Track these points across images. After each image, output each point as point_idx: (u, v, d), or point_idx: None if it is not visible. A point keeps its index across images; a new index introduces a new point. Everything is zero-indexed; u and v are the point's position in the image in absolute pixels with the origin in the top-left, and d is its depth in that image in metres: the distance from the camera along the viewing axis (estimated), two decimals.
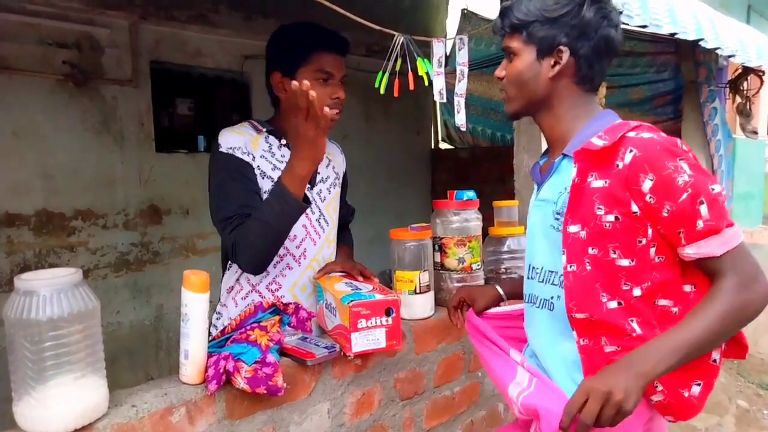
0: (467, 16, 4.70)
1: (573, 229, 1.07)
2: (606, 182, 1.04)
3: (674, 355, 0.97)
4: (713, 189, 1.00)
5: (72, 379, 0.96)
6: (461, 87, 1.61)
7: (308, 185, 1.50)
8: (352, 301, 1.29)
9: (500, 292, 1.46)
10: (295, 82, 1.20)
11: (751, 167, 6.96)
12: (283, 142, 1.50)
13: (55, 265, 3.10)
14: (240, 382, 1.15)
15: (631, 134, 1.03)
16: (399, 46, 1.47)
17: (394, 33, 1.45)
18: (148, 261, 3.47)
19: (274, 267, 1.48)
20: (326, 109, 1.24)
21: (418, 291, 1.61)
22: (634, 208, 1.02)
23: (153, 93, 3.45)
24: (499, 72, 1.21)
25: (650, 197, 1.00)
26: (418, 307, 1.62)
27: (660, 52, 3.41)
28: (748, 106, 3.29)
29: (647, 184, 1.00)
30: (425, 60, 1.48)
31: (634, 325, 1.04)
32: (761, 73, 3.17)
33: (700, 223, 0.99)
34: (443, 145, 5.55)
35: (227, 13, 3.63)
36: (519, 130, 2.09)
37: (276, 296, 1.47)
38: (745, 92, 3.26)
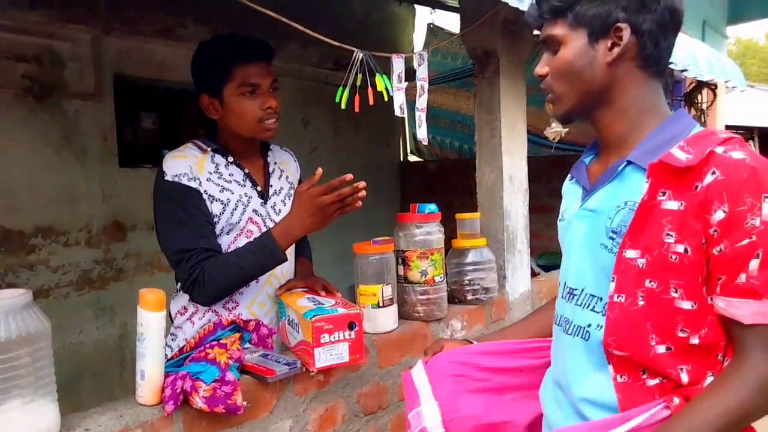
0: (433, 30, 4.77)
1: (630, 254, 0.90)
2: (681, 204, 0.86)
3: None
4: None
5: (20, 403, 0.94)
6: (422, 102, 1.64)
7: (261, 200, 1.50)
8: (314, 316, 1.30)
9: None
10: (350, 175, 1.28)
11: None
12: (230, 159, 1.48)
13: (14, 284, 3.01)
14: (198, 402, 1.14)
15: (719, 149, 0.86)
16: (359, 62, 1.48)
17: (353, 49, 1.46)
18: (112, 278, 3.40)
19: None
20: (359, 202, 1.32)
21: (381, 304, 1.62)
22: (703, 241, 0.86)
23: (116, 107, 3.39)
24: (541, 68, 1.02)
25: (715, 230, 0.85)
26: (382, 320, 1.63)
27: None
28: (702, 119, 3.41)
29: (718, 215, 0.84)
30: (384, 76, 1.50)
31: (684, 374, 0.89)
32: (714, 87, 3.29)
33: (743, 277, 0.84)
34: (412, 158, 5.60)
35: (193, 27, 3.60)
36: (481, 144, 2.13)
37: (234, 314, 1.46)
38: (699, 105, 3.38)
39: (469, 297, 1.94)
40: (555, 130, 2.21)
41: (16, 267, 3.03)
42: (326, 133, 4.61)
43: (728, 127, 9.31)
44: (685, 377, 0.88)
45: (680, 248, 0.86)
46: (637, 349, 0.90)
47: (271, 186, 1.56)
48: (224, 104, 1.44)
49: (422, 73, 1.62)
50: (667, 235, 0.87)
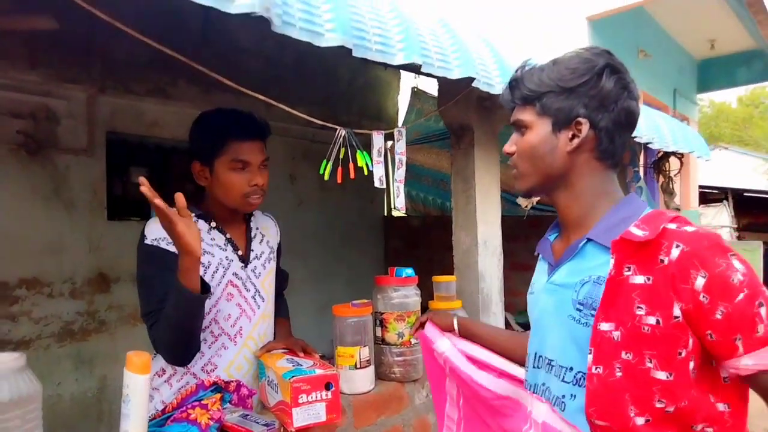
0: (417, 94, 5.00)
1: (605, 327, 0.94)
2: (648, 279, 0.92)
3: None
4: (765, 291, 0.90)
5: None
6: (399, 174, 1.76)
7: (242, 264, 1.56)
8: (293, 376, 1.36)
9: (455, 326, 1.50)
10: (141, 178, 1.25)
11: None
12: (213, 225, 1.55)
13: None
14: None
15: (672, 226, 0.93)
16: (342, 138, 1.60)
17: (336, 127, 1.58)
18: (94, 330, 3.40)
19: (209, 348, 1.51)
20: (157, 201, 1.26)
21: (358, 366, 1.68)
22: (676, 311, 0.90)
23: (107, 162, 3.49)
24: (509, 147, 1.13)
25: (704, 297, 0.88)
26: (359, 381, 1.69)
27: None
28: (671, 185, 3.59)
29: (700, 281, 0.88)
30: (364, 153, 1.62)
31: None
32: (680, 156, 3.48)
33: (762, 329, 0.86)
34: (396, 213, 5.73)
35: (185, 86, 3.76)
36: (457, 210, 2.24)
37: (213, 376, 1.49)
38: (667, 172, 3.56)
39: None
40: (526, 199, 2.35)
41: None
42: (312, 188, 4.73)
43: (702, 188, 9.63)
44: None
45: (652, 320, 0.91)
46: (617, 420, 0.93)
47: (252, 250, 1.62)
48: (214, 174, 1.51)
49: (401, 147, 1.75)
50: (638, 308, 0.92)
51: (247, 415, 1.43)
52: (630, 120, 1.06)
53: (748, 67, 7.64)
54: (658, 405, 0.91)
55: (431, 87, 5.00)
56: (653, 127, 2.87)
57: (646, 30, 6.33)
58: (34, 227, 3.17)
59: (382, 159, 1.71)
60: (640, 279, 0.92)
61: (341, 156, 1.66)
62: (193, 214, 1.49)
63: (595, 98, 1.02)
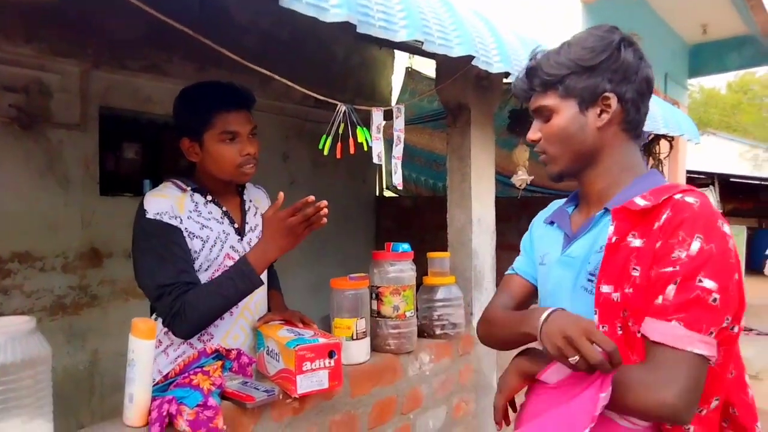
0: (411, 74, 5.00)
1: (605, 289, 1.00)
2: (643, 242, 0.97)
3: None
4: (701, 282, 0.91)
5: (20, 422, 1.01)
6: (398, 150, 1.78)
7: (238, 237, 1.58)
8: (297, 345, 1.39)
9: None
10: (311, 197, 1.34)
11: None
12: (209, 198, 1.55)
13: None
14: (182, 425, 1.22)
15: (678, 196, 0.97)
16: (342, 113, 1.62)
17: (337, 102, 1.60)
18: (86, 304, 3.42)
19: None
20: (324, 219, 1.38)
21: (355, 337, 1.72)
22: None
23: (100, 137, 3.47)
24: (533, 134, 1.13)
25: (655, 258, 0.95)
26: (355, 352, 1.73)
27: None
28: (660, 168, 3.64)
29: (657, 245, 0.95)
30: (364, 129, 1.64)
31: None
32: (671, 139, 3.53)
33: (659, 299, 0.93)
34: (388, 193, 5.75)
35: (180, 63, 3.73)
36: (452, 188, 2.28)
37: (209, 346, 1.50)
38: (657, 155, 3.61)
39: (438, 332, 2.05)
40: (521, 178, 2.38)
41: None
42: (305, 167, 4.74)
43: (689, 173, 9.74)
44: None
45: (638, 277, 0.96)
46: None
47: (247, 223, 1.64)
48: (204, 149, 1.51)
49: (399, 124, 1.77)
50: (633, 269, 0.97)
51: (247, 382, 1.47)
52: (650, 86, 1.08)
53: (739, 53, 7.68)
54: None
55: (425, 67, 5.00)
56: None
57: (639, 14, 6.34)
58: (26, 201, 3.16)
59: (380, 135, 1.73)
60: (638, 242, 0.98)
61: (341, 131, 1.68)
62: (189, 188, 1.53)
63: (618, 72, 1.04)
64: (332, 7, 1.29)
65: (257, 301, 1.64)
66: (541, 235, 1.24)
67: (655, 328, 0.93)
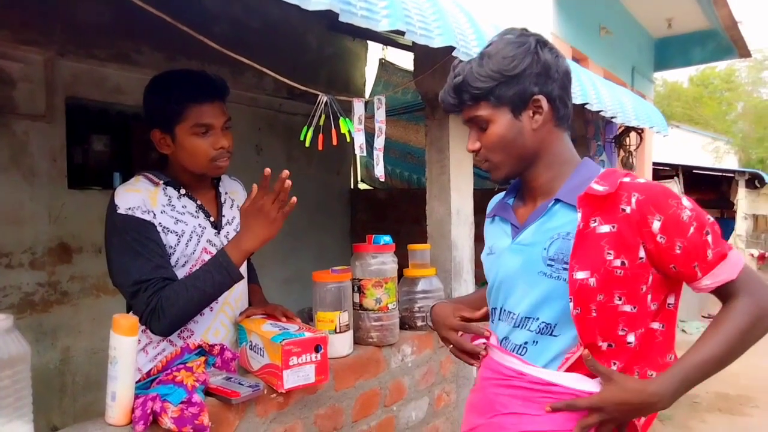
0: (384, 65, 4.99)
1: (581, 275, 1.05)
2: (614, 227, 1.04)
3: (690, 386, 1.03)
4: (709, 219, 1.05)
5: None
6: (379, 142, 1.77)
7: (215, 230, 1.54)
8: (283, 339, 1.38)
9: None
10: (268, 170, 1.28)
11: None
12: (183, 192, 1.50)
13: None
14: (167, 422, 1.20)
15: (627, 180, 1.06)
16: (323, 105, 1.60)
17: (318, 93, 1.58)
18: (56, 301, 3.32)
19: None
20: (294, 199, 1.33)
21: (338, 330, 1.72)
22: (641, 253, 1.04)
23: (68, 129, 3.37)
24: (472, 145, 1.17)
25: (661, 237, 1.02)
26: (338, 345, 1.73)
27: None
28: (630, 160, 3.72)
29: (656, 225, 1.02)
30: (347, 120, 1.62)
31: (614, 367, 1.07)
32: (640, 131, 3.61)
33: (710, 253, 1.02)
34: (362, 186, 5.74)
35: (149, 53, 3.64)
36: (431, 180, 2.28)
37: (188, 343, 1.47)
38: (627, 147, 3.69)
39: (419, 323, 2.06)
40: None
41: None
42: (279, 159, 4.69)
43: (655, 164, 9.98)
44: (616, 364, 1.07)
45: (618, 262, 1.04)
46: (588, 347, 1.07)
47: (224, 216, 1.59)
48: (176, 141, 1.45)
49: (380, 116, 1.76)
50: (607, 253, 1.04)
51: (231, 377, 1.45)
52: (570, 78, 1.15)
53: (702, 47, 7.89)
54: (620, 333, 1.06)
55: (399, 59, 4.99)
56: (617, 103, 2.96)
57: (608, 8, 6.45)
58: None
59: (362, 127, 1.72)
60: (605, 228, 1.05)
61: (321, 123, 1.66)
62: (161, 182, 1.48)
63: (541, 74, 1.10)
64: None
65: (237, 296, 1.60)
66: (487, 231, 1.31)
67: (726, 270, 1.03)
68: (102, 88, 3.52)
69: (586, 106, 2.59)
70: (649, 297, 1.06)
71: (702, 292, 1.08)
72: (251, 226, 1.37)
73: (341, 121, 1.59)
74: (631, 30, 7.25)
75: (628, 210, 1.04)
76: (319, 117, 1.62)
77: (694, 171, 12.55)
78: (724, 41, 7.58)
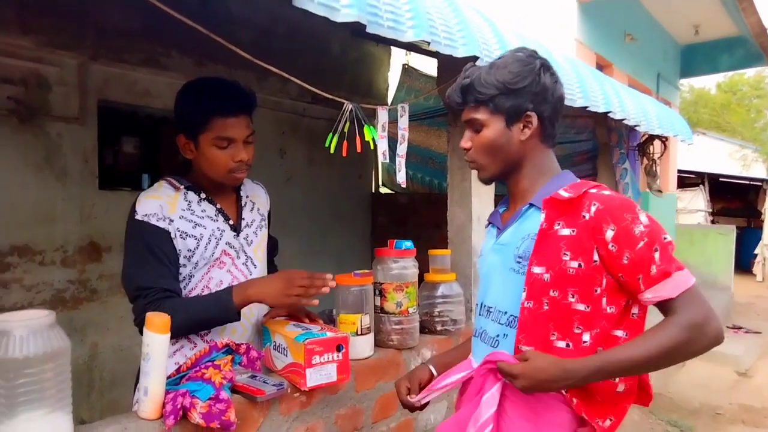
0: (408, 71, 5.02)
1: (537, 270, 1.17)
2: (573, 231, 1.15)
3: (608, 375, 1.12)
4: (665, 238, 1.13)
5: (41, 414, 1.03)
6: (402, 149, 1.81)
7: (234, 233, 1.58)
8: (306, 339, 1.42)
9: (432, 371, 1.44)
10: (333, 283, 1.42)
11: (664, 219, 7.59)
12: (203, 196, 1.54)
13: None
14: (196, 417, 1.24)
15: (593, 191, 1.17)
16: (347, 112, 1.64)
17: (344, 101, 1.62)
18: (85, 299, 3.42)
19: None
20: (315, 302, 1.41)
21: (359, 333, 1.75)
22: (596, 257, 1.14)
23: (99, 131, 3.47)
24: (465, 143, 1.29)
25: (612, 245, 1.12)
26: (360, 347, 1.76)
27: (579, 116, 3.79)
28: (654, 168, 3.70)
29: (609, 234, 1.12)
30: (371, 127, 1.66)
31: None
32: (664, 139, 3.59)
33: (654, 269, 1.10)
34: (383, 190, 5.78)
35: (178, 57, 3.73)
36: (452, 186, 2.31)
37: (206, 340, 1.52)
38: (651, 155, 3.67)
39: (439, 328, 2.09)
40: None
41: None
42: (301, 163, 4.76)
43: (680, 172, 9.86)
44: None
45: (575, 264, 1.15)
46: (541, 343, 1.18)
47: (243, 219, 1.63)
48: (198, 149, 1.49)
49: (404, 123, 1.80)
50: (564, 254, 1.16)
51: (256, 376, 1.50)
52: (563, 104, 1.28)
53: (730, 54, 7.78)
54: (576, 330, 1.16)
55: (422, 64, 5.02)
56: (641, 111, 2.95)
57: (633, 14, 6.40)
58: (25, 195, 3.16)
59: (386, 134, 1.76)
60: (566, 231, 1.17)
61: (346, 130, 1.70)
62: (182, 186, 1.53)
63: (538, 94, 1.22)
64: (343, 8, 1.32)
65: None
66: (485, 237, 1.45)
67: (668, 287, 1.11)
68: (132, 92, 3.62)
69: (609, 115, 2.60)
70: (604, 300, 1.15)
71: (647, 304, 1.16)
72: (270, 283, 1.44)
73: (366, 128, 1.63)
74: (656, 36, 7.19)
75: (587, 217, 1.15)
76: (344, 124, 1.66)
77: (721, 179, 12.35)
78: (753, 48, 7.46)
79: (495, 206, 1.46)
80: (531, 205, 1.24)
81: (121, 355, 3.50)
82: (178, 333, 1.43)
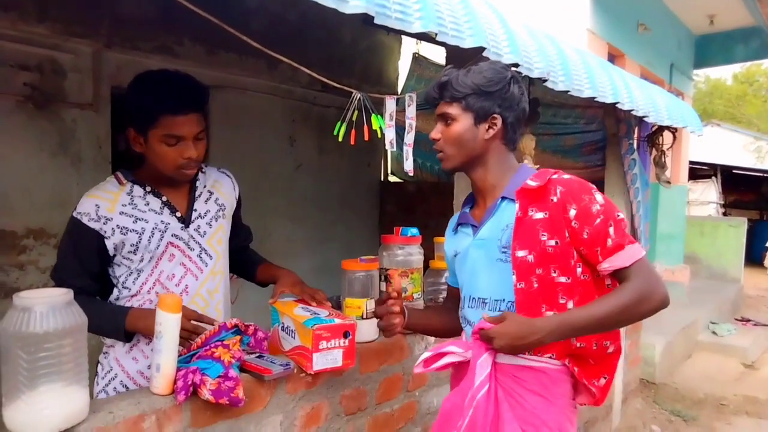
0: (418, 60, 5.03)
1: (521, 253, 1.31)
2: (546, 213, 1.31)
3: (570, 330, 1.27)
4: (618, 215, 1.31)
5: (60, 386, 1.09)
6: (409, 138, 1.84)
7: (182, 225, 1.58)
8: (315, 324, 1.47)
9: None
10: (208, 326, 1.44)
11: (674, 211, 7.55)
12: (148, 189, 1.55)
13: (3, 283, 3.11)
14: (205, 394, 1.30)
15: (555, 176, 1.34)
16: (356, 101, 1.68)
17: (352, 90, 1.66)
18: None
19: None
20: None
21: (364, 317, 1.80)
22: (566, 234, 1.30)
23: (112, 117, 3.53)
24: (435, 134, 1.44)
25: (575, 222, 1.29)
26: (365, 331, 1.80)
27: (588, 106, 3.79)
28: (663, 159, 3.69)
29: (572, 212, 1.29)
30: (378, 116, 1.70)
31: None
32: (674, 130, 3.58)
33: (609, 242, 1.28)
34: (392, 178, 5.81)
35: (191, 45, 3.78)
36: (458, 175, 2.34)
37: (225, 322, 1.52)
38: (660, 146, 3.66)
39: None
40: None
41: (7, 266, 3.13)
42: (311, 151, 4.80)
43: (692, 163, 9.78)
44: None
45: (552, 242, 1.31)
46: (535, 316, 1.31)
47: (195, 210, 1.61)
48: (147, 143, 1.48)
49: (411, 112, 1.82)
50: (542, 235, 1.31)
51: (263, 356, 1.55)
52: (524, 116, 1.43)
53: (745, 44, 7.67)
54: (561, 300, 1.32)
55: (432, 53, 5.03)
56: (650, 102, 2.95)
57: (646, 4, 6.34)
58: (41, 179, 3.23)
59: (393, 123, 1.79)
60: (540, 215, 1.32)
61: (354, 119, 1.73)
62: (128, 181, 1.55)
63: (506, 100, 1.38)
64: None
65: (211, 288, 1.63)
66: (450, 242, 1.57)
67: (621, 258, 1.28)
68: None
69: (617, 105, 2.60)
70: (579, 269, 1.32)
71: (605, 273, 1.31)
72: (149, 326, 1.38)
73: (373, 117, 1.66)
74: (670, 26, 7.11)
75: (555, 200, 1.31)
76: (352, 113, 1.69)
77: (734, 171, 12.23)
78: None
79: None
80: (503, 198, 1.38)
81: None
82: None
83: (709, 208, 11.91)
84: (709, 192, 12.08)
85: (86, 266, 1.52)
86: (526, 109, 1.43)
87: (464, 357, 1.38)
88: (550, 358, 1.35)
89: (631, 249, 1.29)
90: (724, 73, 25.59)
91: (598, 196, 1.31)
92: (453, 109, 1.39)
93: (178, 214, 1.58)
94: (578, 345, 1.34)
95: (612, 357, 1.40)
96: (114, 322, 1.49)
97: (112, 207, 1.50)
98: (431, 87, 1.44)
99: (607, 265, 1.29)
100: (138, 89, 1.48)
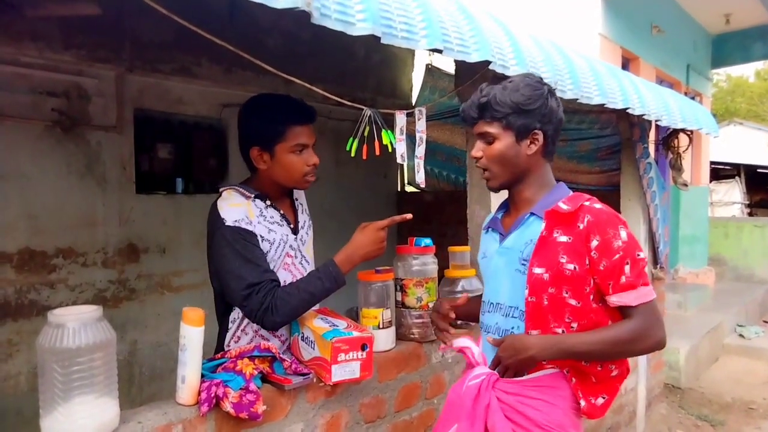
0: (431, 71, 5.08)
1: (538, 270, 1.37)
2: (570, 238, 1.35)
3: (563, 352, 1.35)
4: (638, 254, 1.34)
5: (93, 398, 1.16)
6: (420, 151, 1.89)
7: (294, 236, 1.71)
8: (334, 337, 1.52)
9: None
10: (409, 215, 1.64)
11: (696, 213, 7.46)
12: (269, 203, 1.67)
13: (35, 301, 3.22)
14: (227, 407, 1.35)
15: (587, 204, 1.38)
16: (367, 117, 1.74)
17: (362, 107, 1.72)
18: (125, 297, 3.61)
19: None
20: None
21: (381, 326, 1.84)
22: (586, 261, 1.34)
23: (135, 138, 3.65)
24: (476, 152, 1.46)
25: (594, 253, 1.33)
26: (381, 340, 1.85)
27: (602, 111, 3.79)
28: (678, 161, 3.68)
29: (594, 243, 1.33)
30: (389, 131, 1.75)
31: None
32: (689, 133, 3.57)
33: (623, 278, 1.33)
34: (409, 188, 5.86)
35: (208, 65, 3.88)
36: (472, 184, 2.38)
37: (262, 344, 1.59)
38: (676, 149, 3.65)
39: (459, 322, 2.16)
40: None
41: (38, 285, 3.25)
42: (328, 163, 4.86)
43: (714, 163, 9.65)
44: None
45: (571, 266, 1.35)
46: (544, 329, 1.39)
47: (299, 221, 1.78)
48: (274, 158, 1.62)
49: (421, 126, 1.88)
50: (561, 257, 1.35)
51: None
52: (562, 125, 1.47)
53: (763, 42, 7.58)
54: (567, 320, 1.38)
55: (445, 64, 5.07)
56: (663, 105, 2.96)
57: (660, 5, 6.32)
58: (69, 200, 3.35)
59: (404, 137, 1.84)
60: (564, 238, 1.36)
61: (365, 134, 1.79)
62: (251, 195, 1.64)
63: (546, 115, 1.41)
64: (358, 22, 1.41)
65: None
66: (483, 240, 1.62)
67: (630, 297, 1.34)
68: (166, 100, 3.80)
69: (628, 111, 2.62)
70: (592, 297, 1.37)
71: (612, 305, 1.36)
72: (365, 244, 1.61)
73: (383, 133, 1.72)
74: (685, 27, 7.07)
75: (581, 227, 1.35)
76: (364, 129, 1.75)
77: (758, 170, 12.01)
78: None
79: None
80: (532, 214, 1.43)
81: (159, 351, 3.68)
82: (297, 313, 1.59)
83: (734, 209, 11.70)
84: (733, 192, 11.88)
85: (261, 264, 1.57)
86: (563, 118, 1.46)
87: (474, 360, 1.49)
88: (551, 367, 1.41)
89: (642, 290, 1.34)
90: (747, 71, 25.17)
91: (623, 233, 1.34)
92: (493, 128, 1.42)
93: (291, 226, 1.73)
94: (584, 362, 1.39)
95: (615, 380, 1.43)
96: (331, 277, 1.58)
97: (251, 215, 1.61)
98: (469, 107, 1.46)
99: (616, 299, 1.35)
100: (259, 111, 1.65)
